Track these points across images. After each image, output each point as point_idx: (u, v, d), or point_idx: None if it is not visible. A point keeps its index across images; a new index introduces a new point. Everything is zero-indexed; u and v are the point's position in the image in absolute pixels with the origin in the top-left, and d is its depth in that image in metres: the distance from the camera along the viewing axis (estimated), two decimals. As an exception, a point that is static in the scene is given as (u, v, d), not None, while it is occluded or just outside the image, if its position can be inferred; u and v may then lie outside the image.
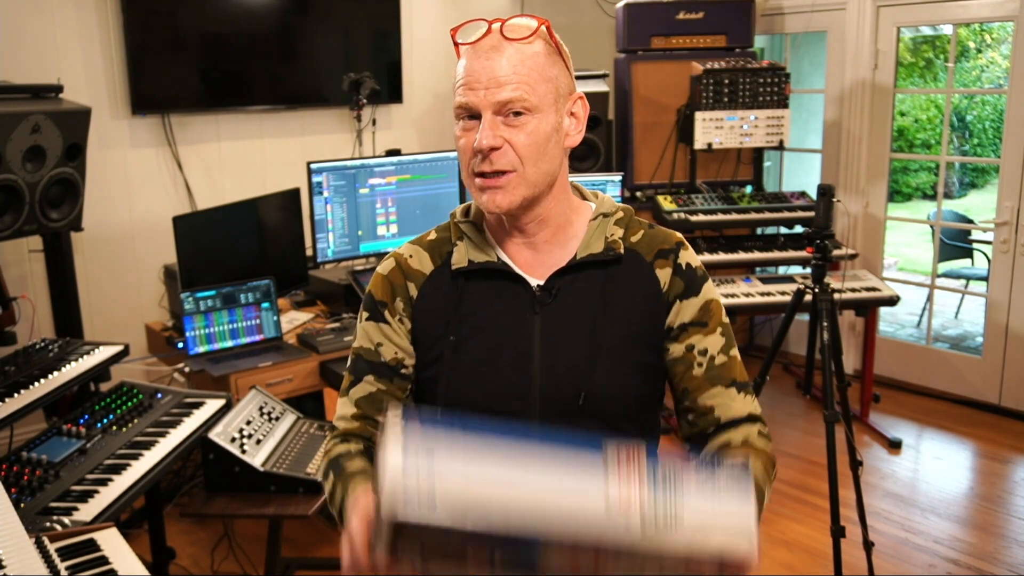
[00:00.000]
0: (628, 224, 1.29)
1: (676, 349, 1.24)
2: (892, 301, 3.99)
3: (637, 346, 1.23)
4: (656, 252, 1.26)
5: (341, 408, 1.29)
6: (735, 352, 1.26)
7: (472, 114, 1.16)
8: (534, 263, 1.25)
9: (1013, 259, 4.15)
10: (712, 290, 1.26)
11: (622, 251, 1.24)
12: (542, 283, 1.23)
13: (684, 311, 1.24)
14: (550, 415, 1.19)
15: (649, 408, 1.27)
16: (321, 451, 1.35)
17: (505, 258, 1.25)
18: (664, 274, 1.25)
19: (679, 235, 1.30)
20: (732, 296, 3.93)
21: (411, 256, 1.29)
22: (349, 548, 1.00)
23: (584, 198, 1.33)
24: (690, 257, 1.27)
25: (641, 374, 1.23)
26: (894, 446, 3.93)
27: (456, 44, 1.20)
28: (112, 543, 1.66)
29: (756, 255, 4.20)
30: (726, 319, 1.26)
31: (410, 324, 1.27)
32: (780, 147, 4.38)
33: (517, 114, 1.15)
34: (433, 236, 1.31)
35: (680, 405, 1.27)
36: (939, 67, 10.25)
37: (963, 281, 5.72)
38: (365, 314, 1.29)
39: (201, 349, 2.95)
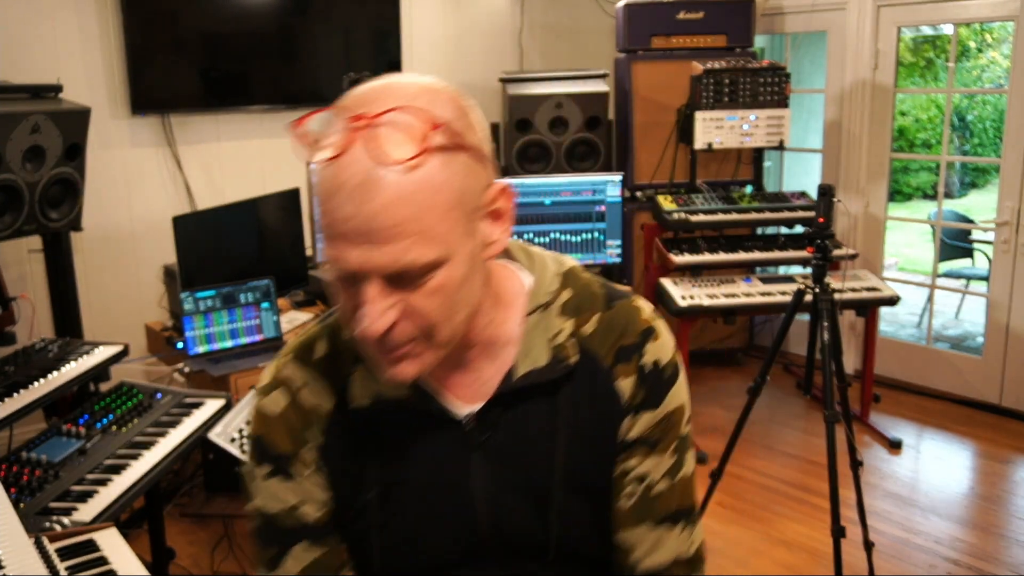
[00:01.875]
0: (578, 307, 0.97)
1: (620, 468, 0.99)
2: (892, 301, 3.98)
3: (601, 478, 0.98)
4: (616, 352, 0.96)
5: None
6: (685, 472, 1.01)
7: (343, 273, 0.82)
8: (462, 385, 0.95)
9: (1014, 259, 4.14)
10: (679, 394, 0.99)
11: (574, 360, 0.94)
12: (475, 411, 0.94)
13: (637, 424, 0.97)
14: (506, 565, 0.97)
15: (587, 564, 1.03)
16: None
17: (424, 384, 0.94)
18: (626, 385, 0.96)
19: (646, 313, 1.00)
20: (732, 296, 3.93)
21: (304, 386, 0.98)
22: None
23: (512, 257, 1.00)
24: (659, 350, 0.98)
25: (609, 510, 0.99)
26: (894, 446, 3.93)
27: (308, 149, 0.82)
28: (112, 543, 1.65)
29: (756, 255, 4.20)
30: (686, 429, 1.01)
31: (322, 475, 0.98)
32: (780, 147, 4.37)
33: (408, 278, 0.81)
34: (321, 350, 0.98)
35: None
36: (940, 67, 10.25)
37: (964, 281, 5.72)
38: (263, 469, 0.98)
39: (201, 349, 2.95)
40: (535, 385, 0.93)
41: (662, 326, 1.00)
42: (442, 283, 0.82)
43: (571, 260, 1.03)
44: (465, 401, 0.95)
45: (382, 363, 0.86)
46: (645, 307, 1.01)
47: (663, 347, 0.98)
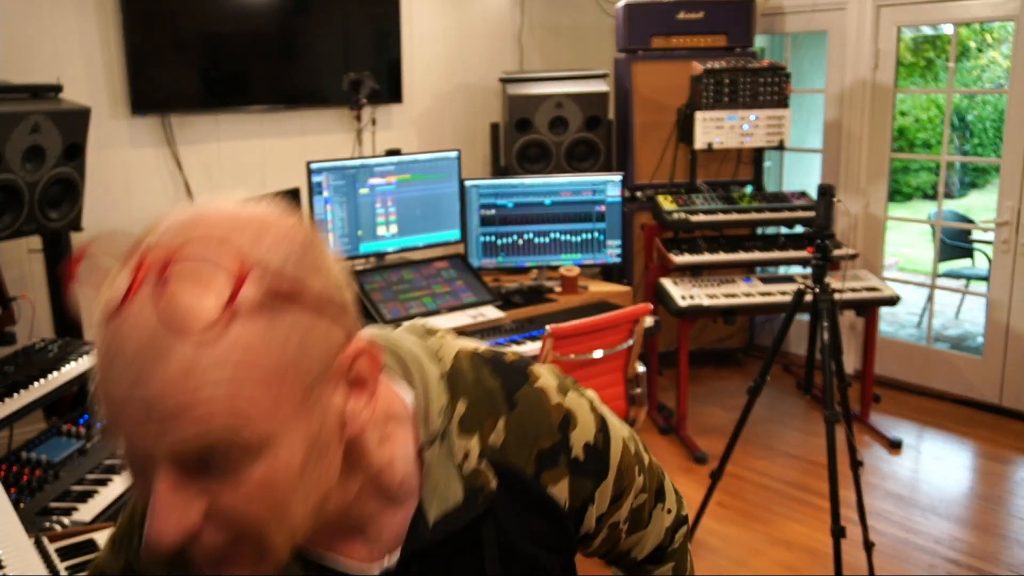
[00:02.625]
0: (478, 418, 0.79)
1: (598, 540, 0.92)
2: (892, 301, 3.99)
3: None
4: (537, 460, 0.81)
5: None
6: (649, 471, 0.96)
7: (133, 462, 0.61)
8: (357, 546, 0.77)
9: (1014, 259, 4.14)
10: (618, 440, 0.88)
11: (494, 485, 0.78)
12: (388, 569, 0.77)
13: (599, 503, 0.87)
14: None
15: None
16: None
17: (306, 552, 0.76)
18: (561, 489, 0.83)
19: (552, 394, 0.83)
20: (732, 296, 3.93)
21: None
22: None
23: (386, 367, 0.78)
24: (584, 433, 0.84)
25: None
26: (894, 446, 3.93)
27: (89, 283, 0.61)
28: (111, 543, 1.65)
29: (756, 255, 4.20)
30: (636, 447, 0.93)
31: None
32: (780, 147, 4.37)
33: (213, 468, 0.59)
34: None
35: (594, 552, 0.98)
36: (940, 67, 10.25)
37: (964, 281, 5.72)
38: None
39: (201, 349, 2.95)
40: (456, 531, 0.76)
41: (572, 399, 0.85)
42: (265, 477, 0.60)
43: (445, 335, 0.85)
44: (366, 561, 0.76)
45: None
46: (548, 384, 0.84)
47: (584, 426, 0.84)
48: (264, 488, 0.60)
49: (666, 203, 4.25)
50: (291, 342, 0.60)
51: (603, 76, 4.55)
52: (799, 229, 4.42)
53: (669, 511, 1.01)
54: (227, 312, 0.57)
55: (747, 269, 4.53)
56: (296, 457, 0.62)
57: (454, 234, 3.74)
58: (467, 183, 3.68)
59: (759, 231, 4.62)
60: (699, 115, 4.26)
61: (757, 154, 4.66)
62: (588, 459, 0.83)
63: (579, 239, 3.77)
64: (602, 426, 0.86)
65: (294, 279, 0.61)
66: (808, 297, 2.83)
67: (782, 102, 4.30)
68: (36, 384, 2.43)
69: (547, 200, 3.71)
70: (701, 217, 4.19)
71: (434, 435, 0.76)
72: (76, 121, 2.98)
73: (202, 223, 0.61)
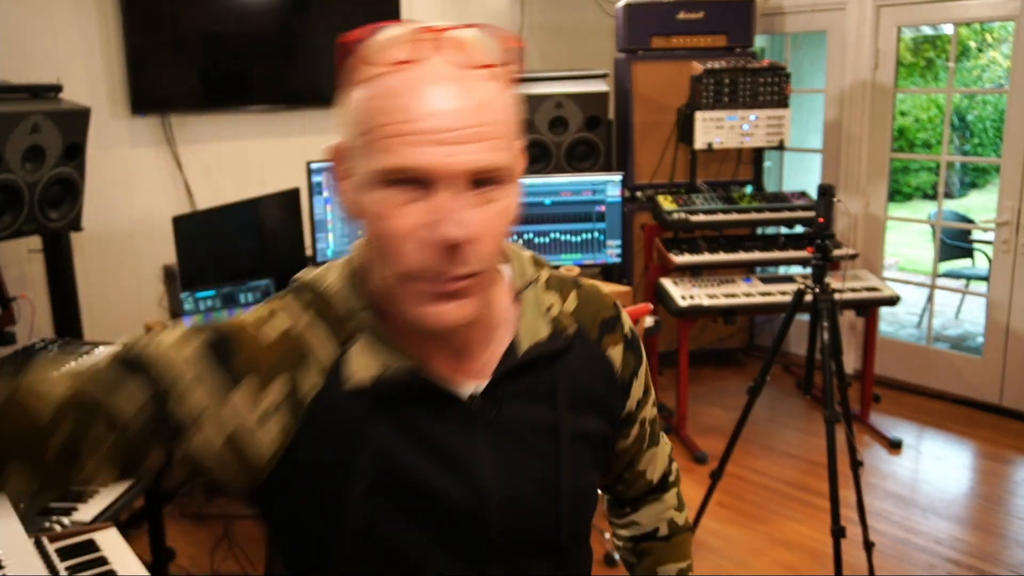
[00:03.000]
0: (559, 285, 0.97)
1: (633, 431, 1.05)
2: (892, 301, 3.99)
3: (598, 452, 0.98)
4: (600, 325, 0.97)
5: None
6: (655, 395, 1.11)
7: (415, 179, 0.75)
8: (458, 368, 0.87)
9: (1014, 259, 4.14)
10: (639, 339, 1.03)
11: (572, 330, 0.93)
12: (480, 391, 0.87)
13: (636, 389, 1.01)
14: (512, 560, 0.89)
15: (586, 542, 1.02)
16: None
17: (422, 372, 0.85)
18: (616, 353, 0.98)
19: (608, 292, 1.02)
20: (732, 296, 3.92)
21: (310, 327, 0.86)
22: None
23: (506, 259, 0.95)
24: (627, 319, 1.01)
25: (597, 484, 1.01)
26: (894, 446, 3.93)
27: (369, 64, 0.80)
28: (112, 543, 1.65)
29: (756, 255, 4.20)
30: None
31: (279, 443, 0.81)
32: (780, 147, 4.37)
33: (488, 183, 0.77)
34: (315, 312, 0.85)
35: (615, 473, 1.10)
36: (940, 67, 10.25)
37: (964, 281, 5.72)
38: (200, 340, 0.80)
39: (201, 349, 2.95)
40: (538, 358, 0.89)
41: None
42: (506, 206, 0.79)
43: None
44: (468, 381, 0.87)
45: (432, 300, 0.77)
46: (607, 290, 1.05)
47: (626, 315, 1.02)
48: (505, 216, 0.79)
49: (666, 203, 4.24)
50: (516, 109, 0.80)
51: (603, 76, 4.55)
52: (799, 229, 4.42)
53: (666, 443, 1.18)
54: (505, 64, 0.77)
55: (747, 269, 4.53)
56: (514, 199, 0.80)
57: (454, 234, 3.73)
58: (467, 183, 3.68)
59: (759, 231, 4.62)
60: (699, 115, 4.26)
61: (757, 154, 4.65)
62: (633, 339, 1.00)
63: (579, 239, 3.77)
64: (632, 326, 1.03)
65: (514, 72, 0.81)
66: (808, 297, 2.83)
67: (782, 102, 4.30)
68: (36, 384, 2.43)
69: (547, 200, 3.71)
70: (701, 217, 4.19)
71: (527, 282, 0.93)
72: (76, 121, 2.98)
73: (454, 22, 0.81)
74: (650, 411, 1.08)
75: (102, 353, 1.08)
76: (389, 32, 0.80)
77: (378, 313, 0.85)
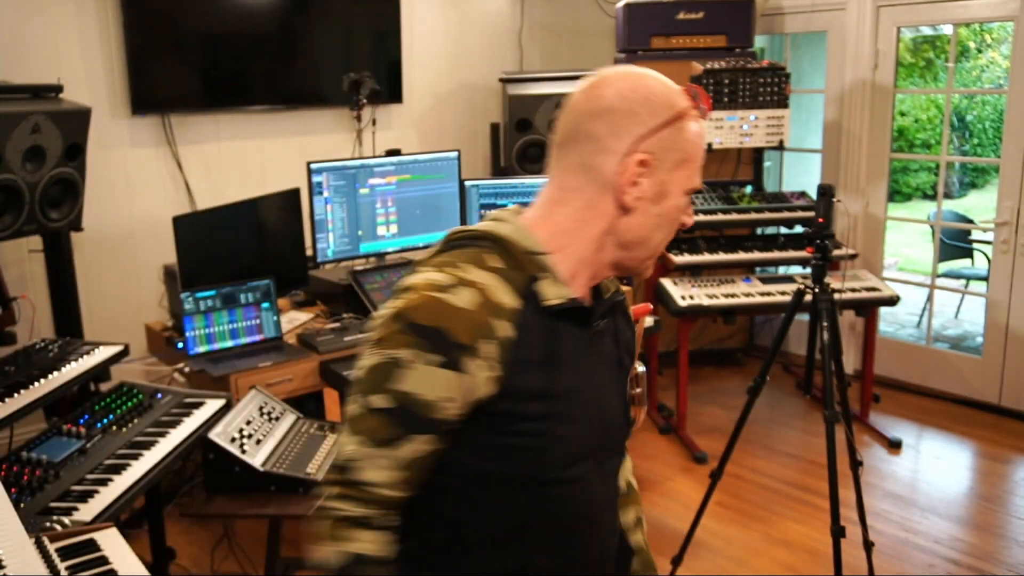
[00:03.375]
0: None
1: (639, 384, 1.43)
2: (892, 301, 3.99)
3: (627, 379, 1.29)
4: (619, 288, 1.25)
5: (375, 468, 1.02)
6: None
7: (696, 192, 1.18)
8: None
9: (1013, 259, 4.15)
10: None
11: (616, 289, 1.24)
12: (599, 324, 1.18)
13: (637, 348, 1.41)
14: (609, 462, 1.21)
15: None
16: (326, 526, 1.06)
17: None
18: (629, 310, 1.32)
19: None
20: (732, 296, 3.93)
21: (491, 289, 1.04)
22: None
23: None
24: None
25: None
26: (894, 446, 3.93)
27: (694, 115, 1.12)
28: (112, 543, 1.65)
29: (756, 255, 4.20)
30: None
31: (501, 371, 1.02)
32: (780, 147, 4.38)
33: None
34: (494, 263, 1.08)
35: None
36: (939, 67, 10.25)
37: (963, 281, 5.72)
38: (435, 357, 1.00)
39: (201, 349, 2.95)
40: (611, 304, 1.20)
41: None
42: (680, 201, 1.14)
43: None
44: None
45: (652, 262, 1.18)
46: None
47: None
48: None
49: (666, 203, 4.24)
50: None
51: (603, 76, 4.55)
52: (799, 229, 4.42)
53: None
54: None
55: (747, 269, 4.53)
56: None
57: (454, 234, 3.73)
58: (467, 183, 3.68)
59: (759, 231, 4.63)
60: (699, 115, 4.25)
61: (757, 154, 4.66)
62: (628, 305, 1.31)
63: (579, 239, 3.77)
64: None
65: None
66: (808, 297, 2.83)
67: (782, 102, 4.31)
68: (36, 384, 2.43)
69: (547, 200, 3.71)
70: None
71: None
72: (76, 121, 2.99)
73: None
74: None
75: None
76: (700, 91, 1.16)
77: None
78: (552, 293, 1.07)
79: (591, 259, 1.12)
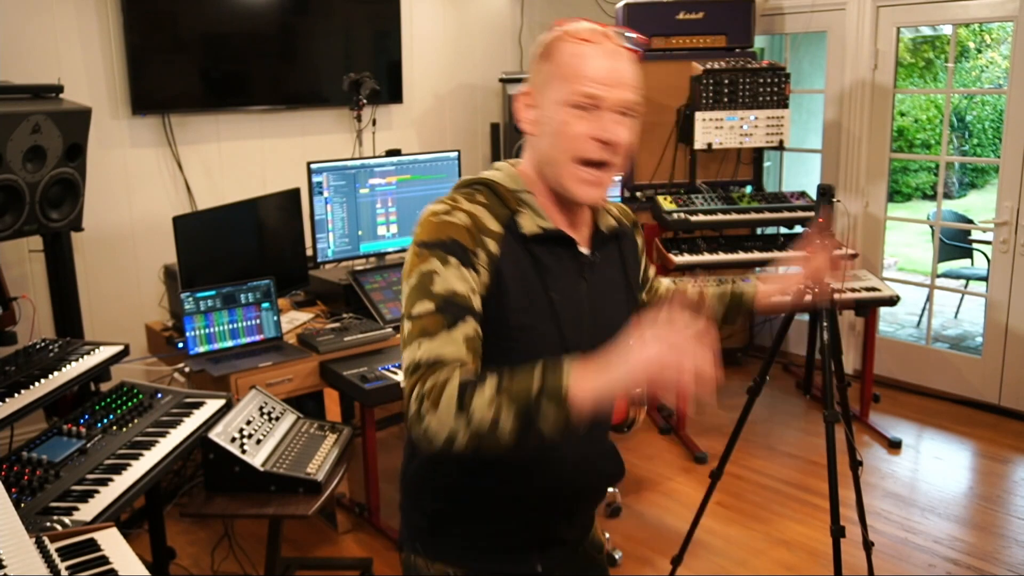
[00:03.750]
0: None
1: (656, 285, 1.65)
2: (892, 301, 3.99)
3: (637, 298, 1.52)
4: (632, 222, 1.54)
5: (440, 346, 1.16)
6: None
7: (591, 105, 1.26)
8: (577, 236, 1.37)
9: (1013, 259, 4.15)
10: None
11: (628, 221, 1.52)
12: (587, 251, 1.38)
13: (646, 267, 1.61)
14: (594, 350, 1.30)
15: None
16: (442, 389, 1.12)
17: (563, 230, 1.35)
18: (640, 239, 1.57)
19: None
20: (732, 296, 3.92)
21: (476, 211, 1.29)
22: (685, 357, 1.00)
23: None
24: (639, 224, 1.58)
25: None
26: (894, 446, 3.93)
27: (560, 37, 1.29)
28: (112, 543, 1.65)
29: (756, 255, 4.20)
30: None
31: (488, 278, 1.25)
32: (780, 147, 4.38)
33: (624, 115, 1.29)
34: (482, 199, 1.32)
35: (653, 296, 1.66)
36: (939, 67, 10.25)
37: (963, 281, 5.72)
38: (452, 258, 1.23)
39: (201, 349, 2.96)
40: (610, 235, 1.43)
41: None
42: (631, 127, 1.30)
43: None
44: (580, 243, 1.37)
45: (584, 179, 1.29)
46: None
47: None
48: (631, 137, 1.30)
49: (666, 203, 4.25)
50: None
51: (603, 76, 4.55)
52: (799, 229, 4.42)
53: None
54: (638, 54, 1.32)
55: (747, 269, 4.53)
56: (635, 130, 1.31)
57: (454, 234, 3.74)
58: (467, 183, 3.68)
59: (759, 231, 4.63)
60: (699, 115, 4.26)
61: (757, 154, 4.66)
62: (641, 237, 1.55)
63: (579, 239, 3.77)
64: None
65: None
66: (808, 297, 2.83)
67: (782, 102, 4.31)
68: (37, 384, 2.43)
69: (547, 200, 3.72)
70: (701, 217, 4.19)
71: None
72: (77, 121, 2.99)
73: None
74: (652, 270, 1.63)
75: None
76: (585, 24, 1.32)
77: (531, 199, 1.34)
78: (529, 224, 1.31)
79: (544, 189, 1.34)
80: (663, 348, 1.01)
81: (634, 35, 1.45)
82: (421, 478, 1.42)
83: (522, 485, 1.34)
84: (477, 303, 1.23)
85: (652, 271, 1.64)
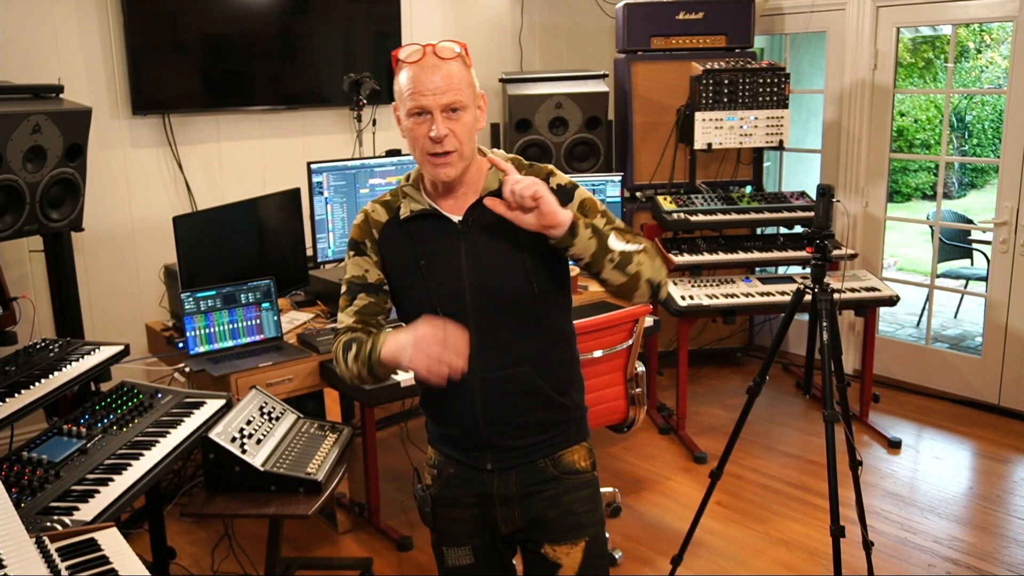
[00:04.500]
0: (518, 166, 1.70)
1: (582, 230, 1.72)
2: (892, 301, 3.99)
3: (540, 251, 1.63)
4: (544, 176, 1.70)
5: (342, 320, 1.73)
6: (615, 222, 1.69)
7: (423, 112, 1.56)
8: (456, 208, 1.67)
9: (1012, 259, 4.15)
10: (582, 193, 1.70)
11: None
12: (460, 218, 1.66)
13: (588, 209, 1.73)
14: (480, 314, 1.64)
15: (554, 302, 1.71)
16: (336, 349, 1.71)
17: (435, 206, 1.67)
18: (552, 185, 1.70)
19: (550, 166, 1.73)
20: (732, 296, 3.93)
21: (373, 210, 1.74)
22: (433, 340, 1.46)
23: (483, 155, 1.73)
24: (559, 179, 1.70)
25: (545, 271, 1.66)
26: (894, 446, 3.94)
27: (398, 62, 1.60)
28: (112, 543, 1.66)
29: (756, 255, 4.21)
30: (602, 206, 1.71)
31: (377, 257, 1.72)
32: (780, 147, 4.38)
33: (454, 111, 1.56)
34: (387, 197, 1.75)
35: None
36: (938, 67, 10.25)
37: (962, 281, 5.72)
38: (351, 252, 1.74)
39: (201, 349, 2.96)
40: (478, 205, 1.65)
41: (560, 172, 1.72)
42: (465, 121, 1.58)
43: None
44: (455, 214, 1.66)
45: (435, 165, 1.59)
46: (550, 166, 1.73)
47: (560, 178, 1.71)
48: (466, 125, 1.59)
49: (666, 203, 4.25)
50: (470, 76, 1.62)
51: (603, 76, 4.56)
52: (799, 229, 4.43)
53: (632, 234, 1.68)
54: (457, 56, 1.58)
55: (747, 269, 4.53)
56: (472, 118, 1.61)
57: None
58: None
59: (759, 231, 4.63)
60: (699, 115, 4.27)
61: (756, 154, 4.66)
62: (558, 191, 1.65)
63: (579, 239, 3.77)
64: (572, 183, 1.71)
65: (469, 57, 1.64)
66: (807, 297, 2.84)
67: (781, 102, 4.31)
68: (37, 384, 2.43)
69: (547, 200, 3.72)
70: (701, 217, 4.20)
71: (490, 167, 1.68)
72: (77, 121, 2.99)
73: (438, 40, 1.62)
74: (598, 220, 1.65)
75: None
76: (411, 47, 1.59)
77: (417, 187, 1.70)
78: (405, 209, 1.68)
79: (427, 177, 1.66)
80: (422, 335, 1.47)
81: (456, 43, 1.66)
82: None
83: (445, 405, 1.72)
84: (373, 278, 1.72)
85: (600, 221, 1.68)
